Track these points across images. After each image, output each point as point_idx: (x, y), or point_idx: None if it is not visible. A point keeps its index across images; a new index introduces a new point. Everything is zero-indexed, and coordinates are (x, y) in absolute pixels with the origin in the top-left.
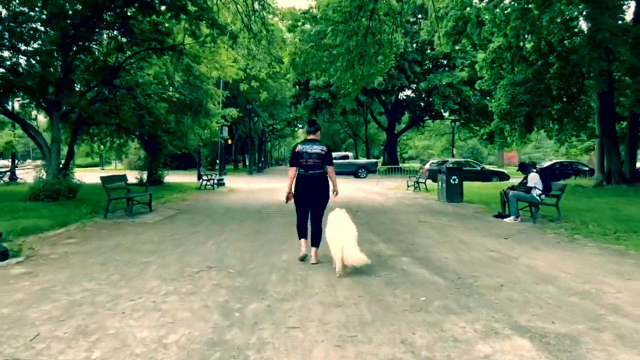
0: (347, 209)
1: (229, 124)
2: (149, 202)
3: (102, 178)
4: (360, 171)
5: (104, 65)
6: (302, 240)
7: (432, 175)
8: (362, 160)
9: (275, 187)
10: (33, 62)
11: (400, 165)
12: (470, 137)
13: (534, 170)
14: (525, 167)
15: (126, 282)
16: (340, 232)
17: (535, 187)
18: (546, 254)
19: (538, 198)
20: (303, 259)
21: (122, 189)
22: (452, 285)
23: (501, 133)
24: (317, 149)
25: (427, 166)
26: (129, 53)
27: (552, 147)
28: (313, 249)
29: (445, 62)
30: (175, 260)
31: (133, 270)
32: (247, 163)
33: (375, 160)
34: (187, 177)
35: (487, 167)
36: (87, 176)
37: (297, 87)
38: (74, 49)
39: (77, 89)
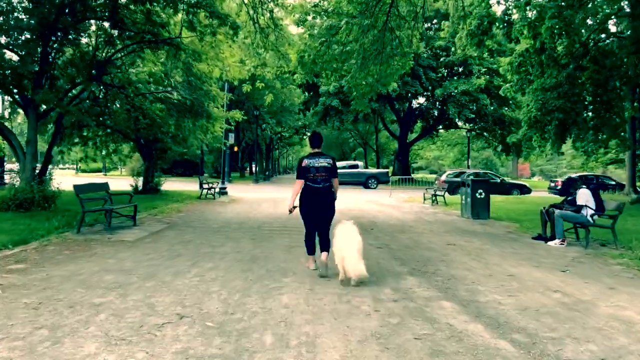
0: (359, 226)
1: (232, 127)
2: (133, 214)
3: (75, 187)
4: (370, 181)
5: (91, 60)
6: (311, 257)
7: (449, 187)
8: (373, 170)
9: (281, 197)
10: (8, 52)
11: (412, 175)
12: (485, 147)
13: (584, 187)
14: (572, 183)
15: (53, 342)
16: (344, 243)
17: (586, 206)
18: (630, 297)
19: (590, 219)
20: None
21: (103, 200)
22: (529, 358)
23: (529, 142)
24: (323, 162)
25: (443, 177)
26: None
27: (566, 160)
28: (324, 253)
29: (460, 69)
30: (139, 303)
31: (72, 320)
32: (254, 171)
33: (387, 170)
34: (189, 185)
35: (507, 179)
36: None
37: (307, 93)
38: (57, 39)
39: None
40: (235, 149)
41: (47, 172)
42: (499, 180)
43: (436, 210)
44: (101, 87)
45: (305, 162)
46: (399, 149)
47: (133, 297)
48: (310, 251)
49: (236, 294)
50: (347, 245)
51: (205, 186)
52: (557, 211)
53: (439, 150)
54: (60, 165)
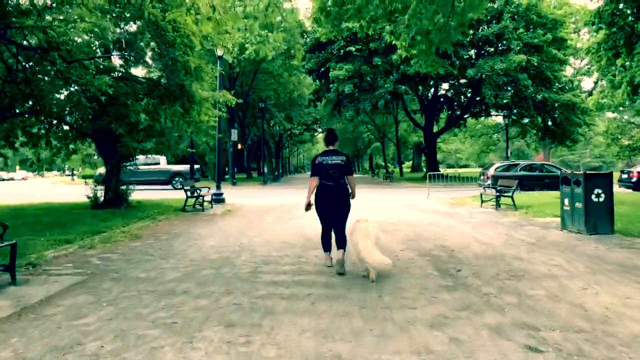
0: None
1: (224, 114)
2: (9, 263)
3: None
4: (175, 180)
5: None
6: (327, 254)
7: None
8: (178, 167)
9: (292, 202)
10: None
11: (442, 171)
12: (516, 137)
13: None
14: None
15: None
16: (358, 236)
17: None
18: None
19: None
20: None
21: None
22: None
23: None
24: (337, 160)
25: (491, 171)
26: None
27: (597, 149)
28: (340, 251)
29: (492, 49)
30: None
31: None
32: (263, 171)
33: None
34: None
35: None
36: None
37: (317, 81)
38: None
39: None
40: (240, 146)
41: None
42: (558, 173)
43: (514, 219)
44: (15, 51)
45: (319, 159)
46: (425, 140)
47: None
48: (327, 248)
49: None
50: (362, 239)
51: (189, 193)
52: None
53: (461, 142)
54: (60, 172)
